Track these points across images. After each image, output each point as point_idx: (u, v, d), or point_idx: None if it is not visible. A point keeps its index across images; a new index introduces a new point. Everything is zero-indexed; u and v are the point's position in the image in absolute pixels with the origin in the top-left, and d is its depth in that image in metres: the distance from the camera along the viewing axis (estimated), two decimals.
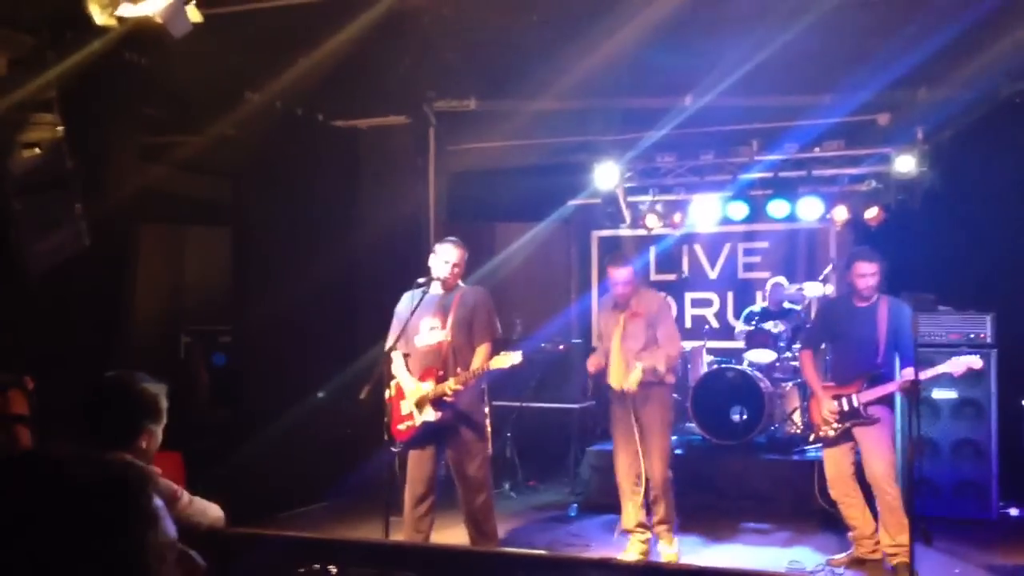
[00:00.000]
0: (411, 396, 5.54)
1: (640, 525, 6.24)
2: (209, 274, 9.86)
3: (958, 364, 5.77)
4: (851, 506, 5.99)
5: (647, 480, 6.18)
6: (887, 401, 5.89)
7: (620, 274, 6.20)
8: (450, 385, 5.46)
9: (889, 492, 5.70)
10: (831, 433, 5.93)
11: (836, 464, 6.02)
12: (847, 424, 5.88)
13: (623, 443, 6.23)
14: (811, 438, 6.23)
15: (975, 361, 5.79)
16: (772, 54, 6.59)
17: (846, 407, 5.88)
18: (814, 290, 8.65)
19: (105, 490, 1.32)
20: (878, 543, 5.91)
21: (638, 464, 6.18)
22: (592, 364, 6.38)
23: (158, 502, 1.42)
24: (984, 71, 7.06)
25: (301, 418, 7.58)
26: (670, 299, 9.69)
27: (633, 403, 6.11)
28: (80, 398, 2.89)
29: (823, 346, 6.74)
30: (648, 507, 6.28)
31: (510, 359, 5.48)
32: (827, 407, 5.92)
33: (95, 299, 6.20)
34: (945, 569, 5.92)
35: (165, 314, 9.92)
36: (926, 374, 5.74)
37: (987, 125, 7.65)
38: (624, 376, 6.08)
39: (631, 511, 6.25)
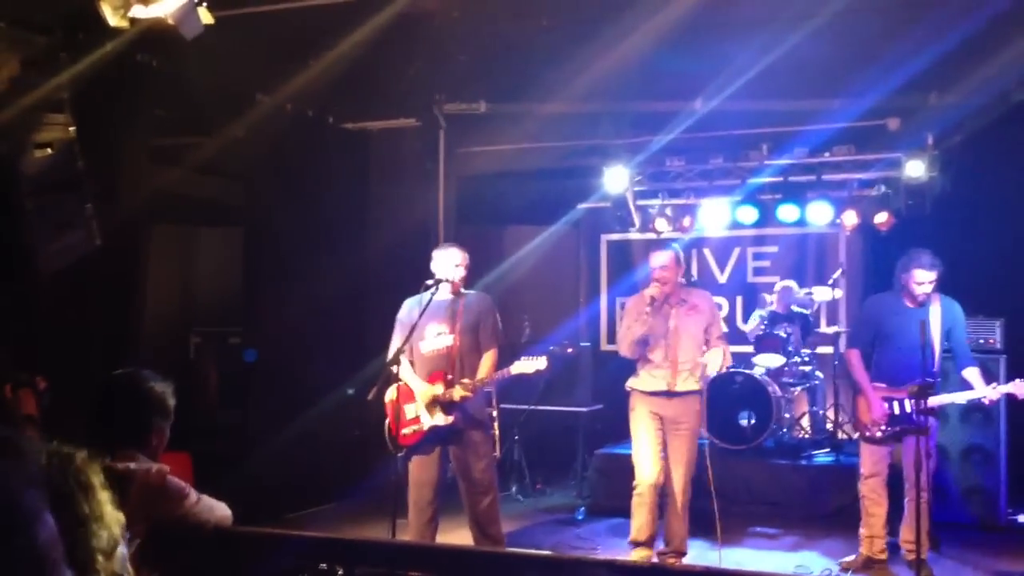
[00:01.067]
0: (422, 398, 5.55)
1: (650, 539, 6.00)
2: (220, 275, 9.91)
3: (1023, 387, 5.60)
4: (876, 504, 5.91)
5: (664, 495, 5.98)
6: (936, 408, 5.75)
7: (659, 258, 5.94)
8: (459, 392, 5.48)
9: (924, 496, 5.58)
10: (878, 434, 5.82)
11: (875, 464, 5.89)
12: (896, 428, 5.76)
13: (651, 446, 5.94)
14: (855, 436, 6.10)
15: None
16: (781, 58, 6.59)
17: (897, 411, 5.75)
18: (823, 295, 8.65)
19: None
20: (885, 545, 5.92)
21: (663, 477, 5.97)
22: (652, 290, 5.86)
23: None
24: (994, 76, 7.04)
25: (310, 420, 7.60)
26: None
27: (667, 409, 5.91)
28: (89, 397, 2.92)
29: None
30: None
31: (535, 365, 5.50)
32: (877, 410, 5.78)
33: (106, 300, 6.23)
34: (953, 575, 5.90)
35: (175, 315, 9.96)
36: (990, 392, 5.65)
37: (997, 130, 7.64)
38: (677, 377, 5.85)
39: (643, 522, 5.98)
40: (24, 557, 0.98)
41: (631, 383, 6.10)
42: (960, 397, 5.84)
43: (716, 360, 5.80)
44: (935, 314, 5.75)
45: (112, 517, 1.50)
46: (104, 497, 1.50)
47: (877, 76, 7.12)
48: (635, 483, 6.03)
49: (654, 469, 5.94)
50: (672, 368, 5.89)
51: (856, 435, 6.13)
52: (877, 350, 6.01)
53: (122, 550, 1.56)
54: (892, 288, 6.02)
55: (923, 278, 5.72)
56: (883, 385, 5.86)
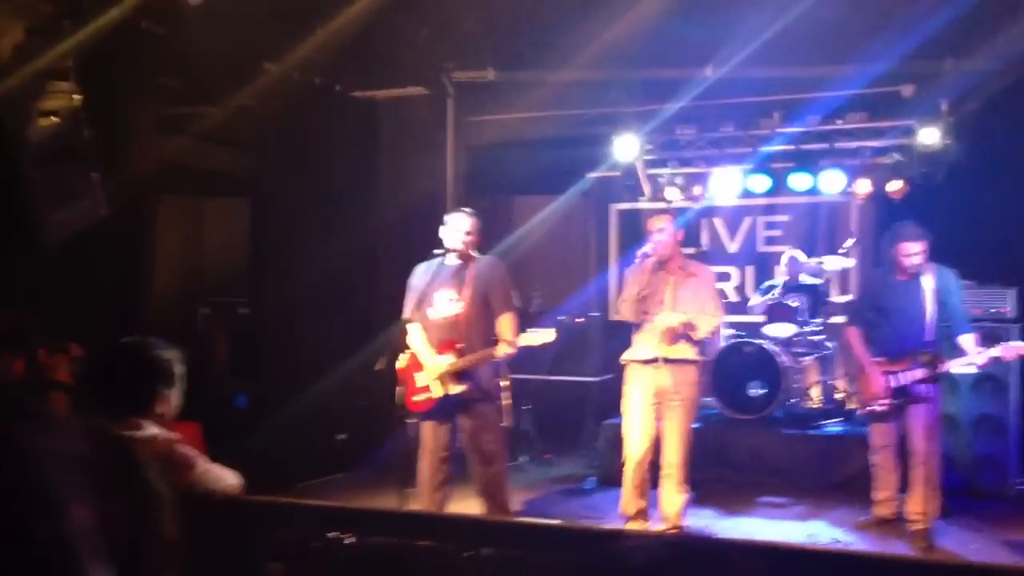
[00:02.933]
0: (430, 370, 5.53)
1: (640, 512, 5.90)
2: (227, 246, 9.88)
3: (1010, 350, 5.70)
4: (889, 471, 6.05)
5: (662, 461, 5.85)
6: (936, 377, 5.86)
7: (657, 222, 5.84)
8: (502, 349, 5.41)
9: (931, 466, 5.72)
10: (879, 409, 5.92)
11: (884, 437, 6.03)
12: (899, 401, 5.85)
13: (643, 423, 5.83)
14: (858, 412, 6.13)
15: None
16: (794, 23, 6.51)
17: (895, 384, 5.84)
18: (835, 264, 8.59)
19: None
20: (898, 506, 6.01)
21: (653, 450, 5.86)
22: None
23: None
24: (1011, 42, 6.94)
25: (319, 390, 7.61)
26: None
27: (662, 379, 5.73)
28: (95, 366, 2.91)
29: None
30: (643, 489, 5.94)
31: (542, 337, 5.47)
32: (879, 384, 5.86)
33: (113, 270, 6.22)
34: (962, 544, 5.90)
35: (184, 286, 9.96)
36: (977, 358, 5.73)
37: (1013, 97, 7.53)
38: (673, 343, 5.70)
39: (634, 496, 5.90)
40: (46, 547, 0.89)
41: (627, 355, 5.95)
42: (955, 364, 5.87)
43: (705, 323, 5.76)
44: (928, 285, 5.83)
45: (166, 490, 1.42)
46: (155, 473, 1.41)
47: (891, 41, 7.02)
48: (624, 457, 5.95)
49: (642, 446, 5.82)
50: (668, 334, 5.73)
51: (861, 411, 6.17)
52: (875, 326, 6.09)
53: None
54: (883, 264, 6.11)
55: (911, 250, 5.80)
56: (883, 359, 5.93)
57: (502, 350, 5.43)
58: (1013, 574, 3.22)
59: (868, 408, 5.98)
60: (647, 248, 5.78)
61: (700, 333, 5.80)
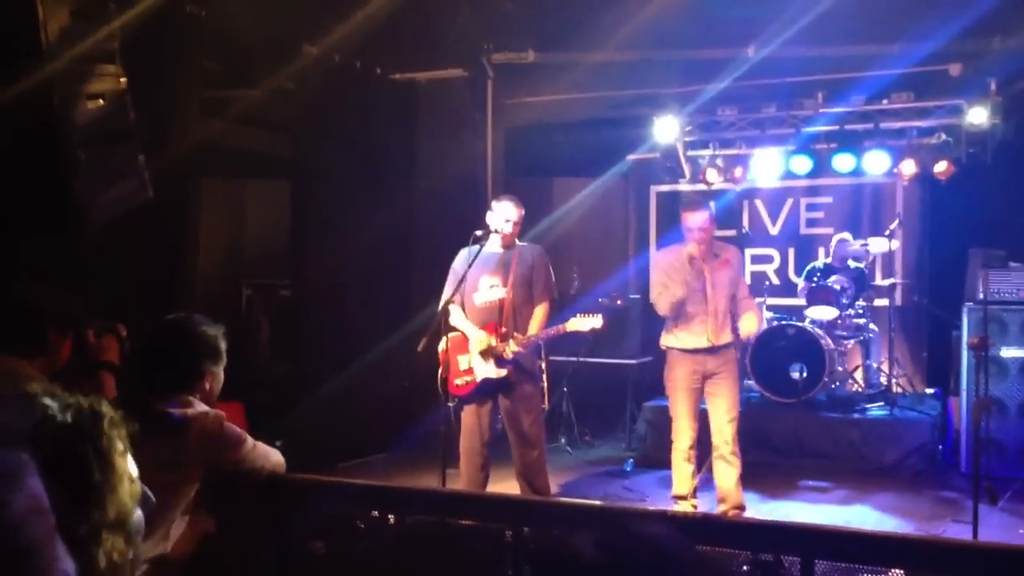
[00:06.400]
0: (476, 345, 5.55)
1: (693, 492, 5.96)
2: (269, 227, 9.96)
3: None
4: None
5: (714, 440, 5.90)
6: None
7: (697, 218, 5.75)
8: (511, 348, 5.46)
9: None
10: None
11: None
12: None
13: (691, 404, 5.88)
14: None
15: None
16: (838, 1, 6.40)
17: None
18: (879, 246, 8.47)
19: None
20: None
21: (697, 428, 5.97)
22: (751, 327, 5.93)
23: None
24: None
25: (359, 370, 7.66)
26: None
27: (708, 364, 5.81)
28: (142, 342, 2.94)
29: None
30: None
31: (591, 323, 5.48)
32: None
33: (157, 251, 6.28)
34: (1009, 529, 5.82)
35: (225, 267, 10.06)
36: None
37: None
38: (717, 331, 5.77)
39: (687, 475, 5.93)
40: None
41: (669, 342, 5.96)
42: None
43: (751, 325, 5.87)
44: None
45: (127, 490, 1.39)
46: (123, 466, 1.39)
47: (939, 19, 6.89)
48: (673, 439, 5.98)
49: (692, 428, 5.89)
50: (713, 323, 5.78)
51: None
52: None
53: (136, 524, 1.44)
54: None
55: None
56: None
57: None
58: None
59: None
60: (693, 250, 5.74)
61: (754, 331, 6.02)
